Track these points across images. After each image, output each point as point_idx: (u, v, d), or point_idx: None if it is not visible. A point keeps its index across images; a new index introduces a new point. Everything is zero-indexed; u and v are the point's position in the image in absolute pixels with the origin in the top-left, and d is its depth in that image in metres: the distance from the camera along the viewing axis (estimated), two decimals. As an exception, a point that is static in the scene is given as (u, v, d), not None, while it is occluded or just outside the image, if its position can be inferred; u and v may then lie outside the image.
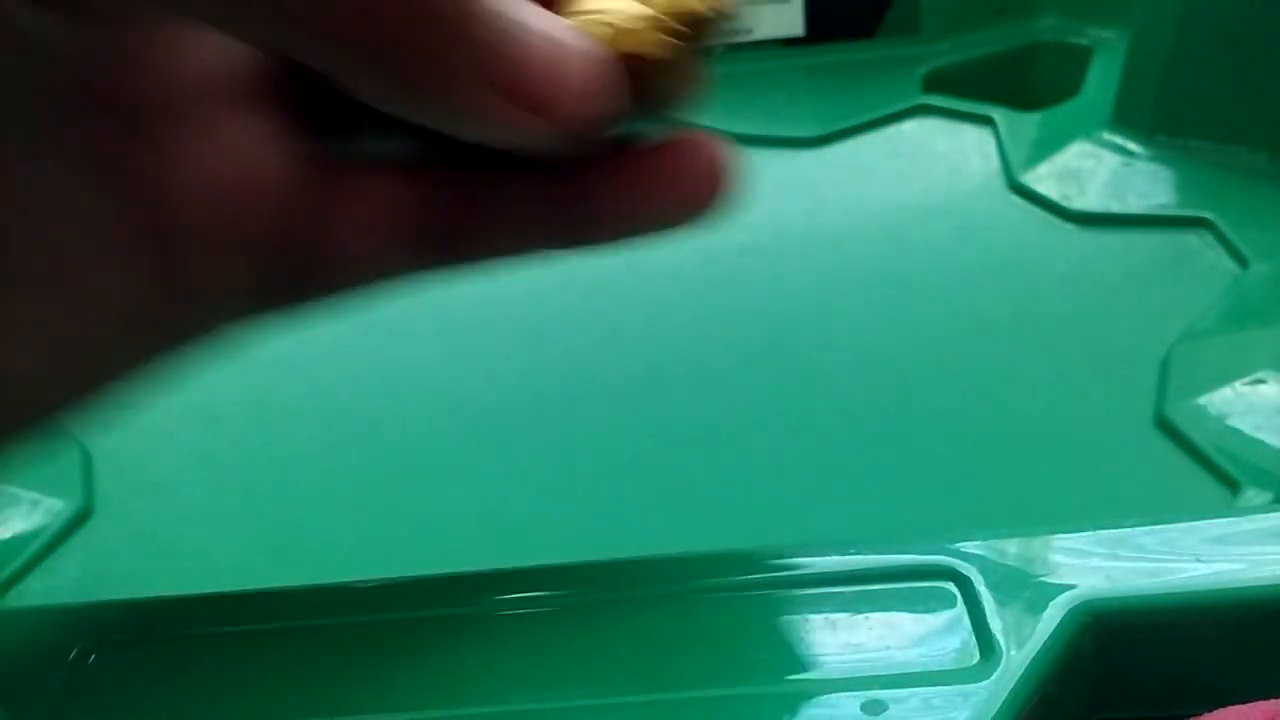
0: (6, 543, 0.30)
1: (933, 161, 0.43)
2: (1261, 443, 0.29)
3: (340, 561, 0.30)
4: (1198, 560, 0.19)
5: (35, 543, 0.30)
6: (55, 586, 0.30)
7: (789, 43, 0.48)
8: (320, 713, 0.19)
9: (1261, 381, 0.30)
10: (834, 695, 0.18)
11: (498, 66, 0.16)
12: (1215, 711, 0.18)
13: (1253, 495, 0.27)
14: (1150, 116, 0.40)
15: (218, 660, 0.21)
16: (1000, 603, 0.19)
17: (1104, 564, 0.19)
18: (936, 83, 0.46)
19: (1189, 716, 0.18)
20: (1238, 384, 0.31)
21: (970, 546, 0.20)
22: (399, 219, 0.19)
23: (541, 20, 0.17)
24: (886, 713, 0.18)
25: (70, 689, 0.20)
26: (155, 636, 0.21)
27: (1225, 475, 0.28)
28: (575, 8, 0.19)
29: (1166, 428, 0.30)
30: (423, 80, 0.16)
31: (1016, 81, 0.47)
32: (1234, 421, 0.30)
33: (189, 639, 0.21)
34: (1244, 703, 0.19)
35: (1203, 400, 0.31)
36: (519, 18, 0.16)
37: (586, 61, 0.17)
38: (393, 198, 0.19)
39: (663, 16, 0.18)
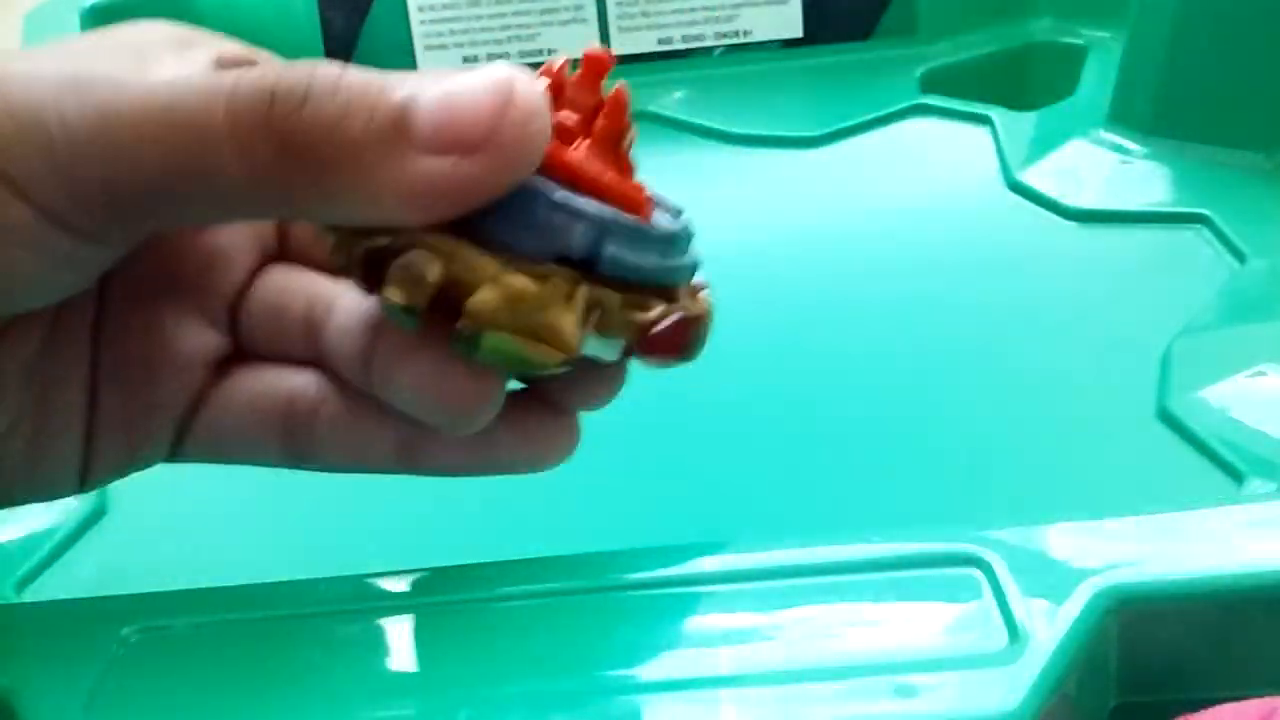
0: (22, 541, 0.30)
1: (931, 161, 0.43)
2: (1264, 434, 0.29)
3: (352, 554, 0.30)
4: (1218, 547, 0.20)
5: (50, 541, 0.30)
6: (71, 583, 0.30)
7: (787, 44, 0.48)
8: (340, 695, 0.20)
9: (1262, 374, 0.31)
10: (865, 680, 0.18)
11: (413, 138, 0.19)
12: (1211, 709, 0.18)
13: (1257, 485, 0.28)
14: (1147, 114, 0.40)
15: (240, 649, 0.21)
16: (1025, 589, 0.19)
17: (1127, 551, 0.20)
18: (933, 83, 0.47)
19: (1198, 708, 0.18)
20: (1239, 377, 0.31)
21: (995, 534, 0.20)
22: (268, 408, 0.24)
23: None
24: (917, 697, 0.18)
25: (98, 679, 0.20)
26: (181, 628, 0.22)
27: (1229, 466, 0.29)
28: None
29: (1169, 421, 0.31)
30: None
31: (1013, 81, 0.48)
32: (1236, 413, 0.30)
33: (213, 629, 0.22)
34: (1264, 687, 0.19)
35: (1205, 393, 0.31)
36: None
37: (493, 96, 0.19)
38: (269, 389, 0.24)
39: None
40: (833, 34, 0.48)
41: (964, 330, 0.36)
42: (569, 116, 0.20)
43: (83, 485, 0.23)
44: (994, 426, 0.32)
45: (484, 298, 0.19)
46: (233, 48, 0.23)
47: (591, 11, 0.48)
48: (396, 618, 0.21)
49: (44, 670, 0.20)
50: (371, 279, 0.20)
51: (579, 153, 0.20)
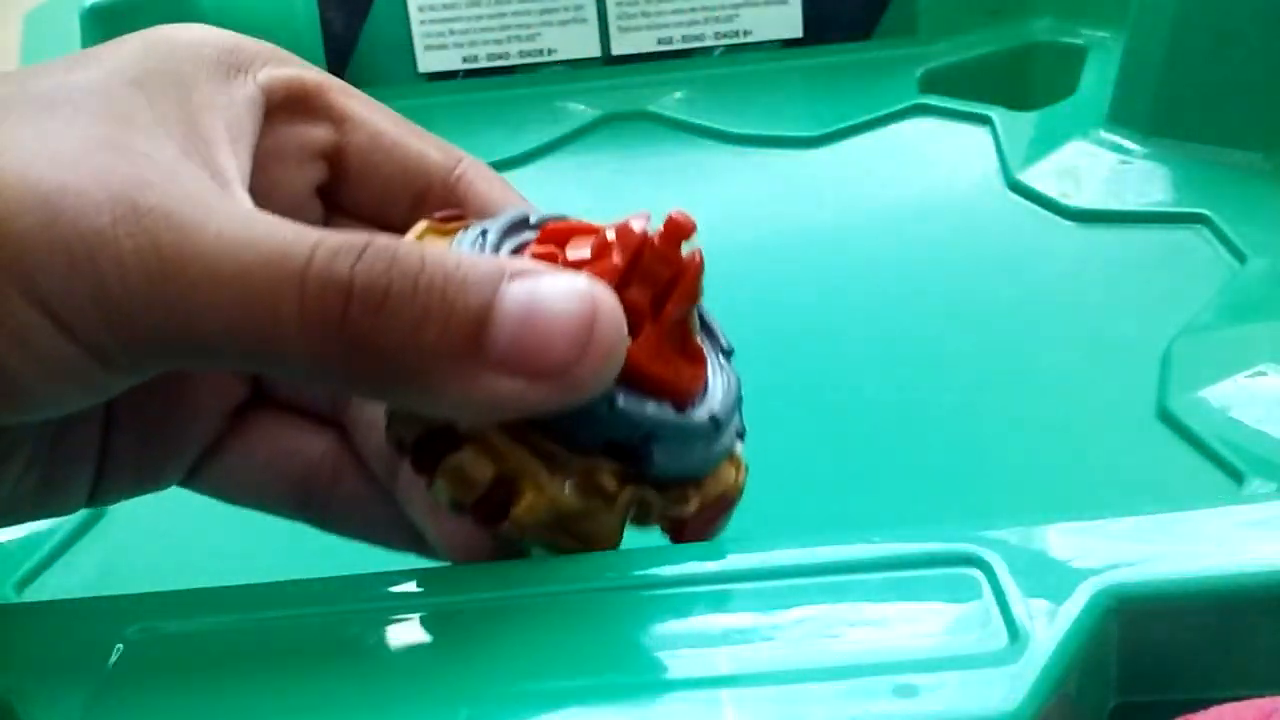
0: (23, 541, 0.31)
1: (931, 161, 0.43)
2: (1264, 434, 0.29)
3: (352, 554, 0.30)
4: (1218, 547, 0.20)
5: (51, 541, 0.31)
6: (71, 584, 0.30)
7: (787, 44, 0.48)
8: (340, 695, 0.20)
9: (1262, 374, 0.31)
10: (865, 680, 0.18)
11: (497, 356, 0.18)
12: (1210, 709, 0.18)
13: (1258, 485, 0.28)
14: (1147, 114, 0.40)
15: (240, 649, 0.21)
16: (1025, 589, 0.19)
17: (1127, 550, 0.20)
18: (933, 83, 0.46)
19: (1198, 708, 0.18)
20: (1239, 377, 0.31)
21: (994, 534, 0.20)
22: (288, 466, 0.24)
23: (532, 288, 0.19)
24: (917, 697, 0.18)
25: (98, 679, 0.20)
26: (181, 628, 0.22)
27: (1229, 466, 0.29)
28: None
29: (1170, 421, 0.31)
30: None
31: (1013, 81, 0.48)
32: (1236, 413, 0.30)
33: (214, 629, 0.22)
34: (1264, 687, 0.19)
35: (1205, 393, 0.31)
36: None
37: (575, 324, 0.19)
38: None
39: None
40: (833, 34, 0.48)
41: (964, 330, 0.36)
42: (640, 295, 0.20)
43: (89, 505, 0.24)
44: (994, 426, 0.33)
45: (529, 506, 0.20)
46: (280, 72, 0.22)
47: (591, 11, 0.48)
48: (397, 617, 0.21)
49: (44, 670, 0.20)
50: (423, 463, 0.20)
51: (645, 347, 0.20)
